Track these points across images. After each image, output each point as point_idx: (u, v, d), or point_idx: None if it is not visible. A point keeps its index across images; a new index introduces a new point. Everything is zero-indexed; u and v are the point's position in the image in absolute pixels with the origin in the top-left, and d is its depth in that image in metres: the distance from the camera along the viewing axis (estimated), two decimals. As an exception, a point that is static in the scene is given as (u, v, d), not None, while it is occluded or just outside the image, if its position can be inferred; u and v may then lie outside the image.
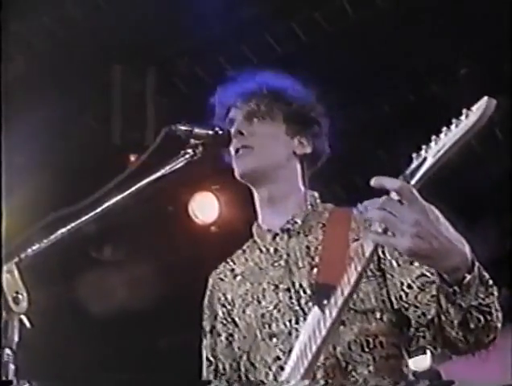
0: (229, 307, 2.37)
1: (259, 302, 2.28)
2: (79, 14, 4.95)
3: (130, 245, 6.27)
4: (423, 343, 2.11)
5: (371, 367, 2.13)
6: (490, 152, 5.41)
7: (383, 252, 2.19)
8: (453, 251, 1.78)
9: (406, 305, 2.13)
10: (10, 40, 4.62)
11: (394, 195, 1.75)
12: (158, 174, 2.11)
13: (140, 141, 5.11)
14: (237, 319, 2.33)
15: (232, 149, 2.37)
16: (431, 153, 1.75)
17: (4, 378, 1.76)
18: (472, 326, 1.90)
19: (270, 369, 2.21)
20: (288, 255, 2.30)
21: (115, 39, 5.02)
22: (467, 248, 1.82)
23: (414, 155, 1.79)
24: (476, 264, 1.85)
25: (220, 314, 2.38)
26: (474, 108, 1.70)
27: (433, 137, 1.77)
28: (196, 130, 2.19)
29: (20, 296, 1.81)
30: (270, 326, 2.23)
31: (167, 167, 2.12)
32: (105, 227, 5.66)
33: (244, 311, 2.31)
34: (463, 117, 1.72)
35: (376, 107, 5.40)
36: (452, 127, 1.74)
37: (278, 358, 2.19)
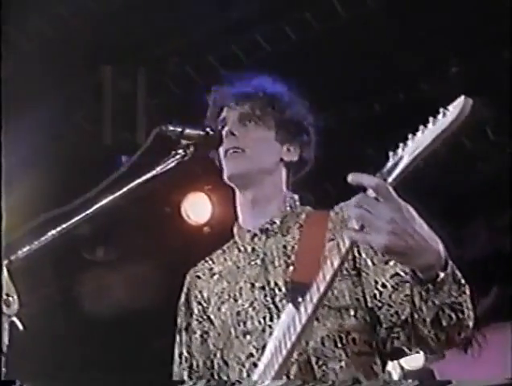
0: (204, 305, 2.38)
1: (235, 301, 2.30)
2: (68, 14, 4.93)
3: (122, 246, 6.26)
4: (397, 344, 2.13)
5: (343, 363, 2.14)
6: (482, 151, 5.42)
7: (359, 252, 2.21)
8: (427, 249, 1.80)
9: (380, 305, 2.15)
10: (1, 41, 4.61)
11: (370, 193, 1.77)
12: (150, 174, 2.11)
13: (131, 141, 5.11)
14: (212, 317, 2.35)
15: (222, 150, 2.39)
16: (408, 152, 1.77)
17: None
18: (444, 323, 1.92)
19: (243, 366, 2.23)
20: (265, 254, 2.32)
21: (105, 39, 5.01)
22: (441, 247, 1.84)
23: (391, 153, 1.81)
24: (450, 262, 1.87)
25: (196, 311, 2.40)
26: (451, 107, 1.72)
27: (410, 135, 1.78)
28: (187, 131, 2.19)
29: (11, 298, 1.81)
30: (244, 323, 2.26)
31: (159, 168, 2.13)
32: (98, 228, 5.65)
33: (219, 309, 2.33)
34: (440, 116, 1.73)
35: (366, 106, 5.40)
36: (429, 125, 1.75)
37: (252, 355, 2.21)
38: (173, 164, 2.14)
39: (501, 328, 6.20)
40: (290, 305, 2.08)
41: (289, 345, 2.01)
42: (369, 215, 1.74)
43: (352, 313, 2.18)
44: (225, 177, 2.40)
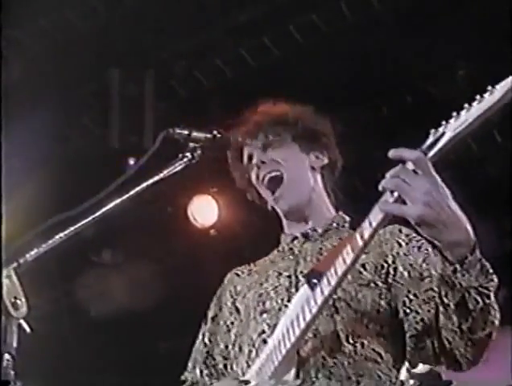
0: (235, 297, 2.43)
1: (261, 285, 2.36)
2: (76, 18, 4.95)
3: (129, 249, 6.27)
4: (424, 357, 2.11)
5: (350, 360, 2.15)
6: (489, 153, 5.42)
7: (395, 268, 2.23)
8: (459, 226, 1.81)
9: (408, 311, 2.15)
10: (7, 44, 4.62)
11: (409, 165, 1.78)
12: (157, 177, 2.11)
13: (139, 144, 5.11)
14: (238, 305, 2.40)
15: (256, 178, 2.42)
16: (451, 128, 1.75)
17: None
18: (470, 306, 1.90)
19: (253, 346, 2.25)
20: (300, 252, 2.38)
21: (112, 42, 5.02)
22: (470, 229, 1.85)
23: (432, 131, 1.79)
24: (478, 249, 1.86)
25: (229, 304, 2.44)
26: (499, 86, 1.70)
27: (453, 113, 1.76)
28: (194, 134, 2.19)
29: (19, 301, 1.81)
30: (264, 303, 2.30)
31: (166, 171, 2.13)
32: (105, 231, 5.66)
33: (245, 296, 2.38)
34: (486, 94, 1.71)
35: (374, 108, 5.40)
36: (475, 103, 1.73)
37: (263, 331, 2.24)
38: (180, 167, 2.15)
39: (505, 332, 6.20)
40: (305, 285, 2.11)
41: (303, 324, 2.03)
42: (405, 185, 1.76)
43: (365, 321, 2.18)
44: (281, 211, 2.43)
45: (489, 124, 1.73)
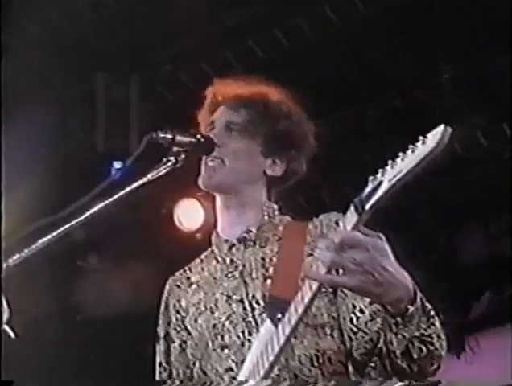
0: (183, 314, 2.35)
1: (212, 313, 2.27)
2: (63, 21, 4.94)
3: (115, 253, 6.25)
4: (375, 374, 2.10)
5: (320, 384, 2.12)
6: (475, 157, 5.43)
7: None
8: (396, 284, 1.84)
9: (356, 330, 2.12)
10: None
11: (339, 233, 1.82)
12: (141, 181, 2.10)
13: (124, 148, 5.10)
14: (189, 327, 2.32)
15: (204, 158, 2.32)
16: (387, 177, 1.78)
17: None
18: (414, 356, 1.94)
19: (222, 379, 2.20)
20: (244, 266, 2.28)
21: (98, 47, 5.01)
22: (409, 280, 1.88)
23: (370, 178, 1.82)
24: (419, 294, 1.90)
25: (174, 320, 2.37)
26: (430, 135, 1.73)
27: (389, 161, 1.80)
28: (178, 138, 2.17)
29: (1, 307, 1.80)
30: (222, 337, 2.22)
31: (150, 175, 2.12)
32: (91, 236, 5.64)
33: (196, 320, 2.30)
34: (419, 144, 1.74)
35: (361, 112, 5.40)
36: (409, 152, 1.76)
37: (231, 369, 2.18)
38: (165, 171, 2.13)
39: (501, 332, 6.20)
40: (268, 320, 2.06)
41: (267, 365, 1.99)
42: (339, 259, 1.79)
43: (328, 331, 2.15)
44: (200, 184, 2.35)
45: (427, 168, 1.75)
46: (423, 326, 1.91)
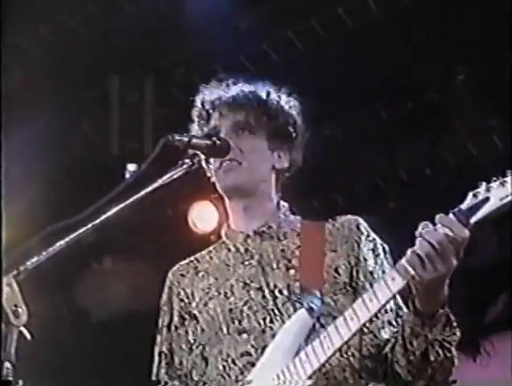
0: (186, 301, 2.37)
1: (227, 298, 2.29)
2: (76, 25, 4.95)
3: (129, 255, 6.27)
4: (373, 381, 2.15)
5: (347, 373, 2.15)
6: (488, 157, 5.41)
7: (357, 272, 2.24)
8: (444, 289, 1.97)
9: (366, 331, 2.17)
10: (8, 51, 4.63)
11: (441, 229, 1.88)
12: (157, 184, 2.11)
13: (139, 151, 5.11)
14: (195, 312, 2.33)
15: (216, 161, 2.34)
16: (496, 195, 1.80)
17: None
18: (432, 358, 1.99)
19: (233, 363, 2.21)
20: (261, 255, 2.30)
21: (113, 49, 5.03)
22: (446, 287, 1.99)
23: (470, 192, 1.85)
24: (447, 303, 1.99)
25: (178, 307, 2.38)
26: None
27: (499, 179, 1.80)
28: (194, 140, 2.19)
29: (20, 309, 1.81)
30: (240, 321, 2.24)
31: (166, 177, 2.12)
32: (105, 238, 5.65)
33: (206, 304, 2.32)
34: None
35: (374, 114, 5.40)
36: None
37: (248, 353, 2.19)
38: (180, 174, 2.14)
39: (506, 334, 6.19)
40: (302, 310, 2.11)
41: (316, 360, 2.03)
42: (434, 254, 1.87)
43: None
44: (220, 189, 2.39)
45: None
46: (446, 332, 1.98)
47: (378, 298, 1.97)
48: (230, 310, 2.26)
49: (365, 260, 2.23)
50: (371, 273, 2.21)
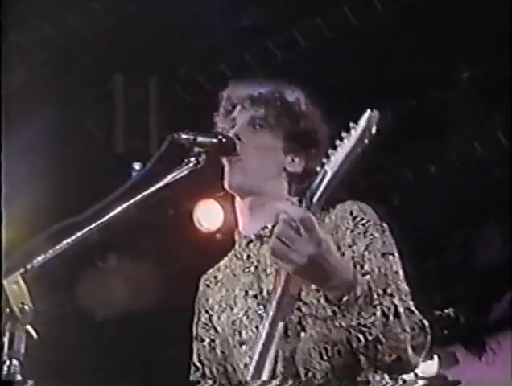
0: (210, 313, 2.36)
1: (231, 309, 2.28)
2: (79, 23, 4.96)
3: (134, 254, 6.28)
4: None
5: (330, 376, 2.09)
6: (493, 155, 5.41)
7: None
8: (334, 275, 1.90)
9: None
10: (10, 50, 4.63)
11: (293, 223, 1.86)
12: (162, 182, 2.11)
13: (144, 149, 5.12)
14: (216, 325, 2.33)
15: (226, 158, 2.31)
16: (330, 167, 1.86)
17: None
18: (354, 345, 1.96)
19: (242, 375, 2.21)
20: (258, 261, 2.28)
21: (116, 48, 5.03)
22: (349, 272, 1.94)
23: (318, 169, 1.90)
24: (359, 287, 1.92)
25: (203, 319, 2.38)
26: (360, 121, 1.87)
27: (330, 151, 1.88)
28: (200, 138, 2.19)
29: (26, 307, 1.81)
30: (240, 333, 2.23)
31: (171, 176, 2.13)
32: (110, 236, 5.66)
33: (219, 318, 2.32)
34: (352, 131, 1.86)
35: (377, 112, 5.38)
36: (345, 140, 1.87)
37: (247, 365, 2.15)
38: (186, 172, 2.14)
39: (506, 334, 6.18)
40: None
41: (268, 362, 1.97)
42: (286, 249, 1.84)
43: (337, 323, 2.04)
44: (225, 185, 2.35)
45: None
46: (364, 315, 1.92)
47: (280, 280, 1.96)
48: (233, 321, 2.25)
49: (355, 244, 2.16)
50: (362, 256, 2.13)
